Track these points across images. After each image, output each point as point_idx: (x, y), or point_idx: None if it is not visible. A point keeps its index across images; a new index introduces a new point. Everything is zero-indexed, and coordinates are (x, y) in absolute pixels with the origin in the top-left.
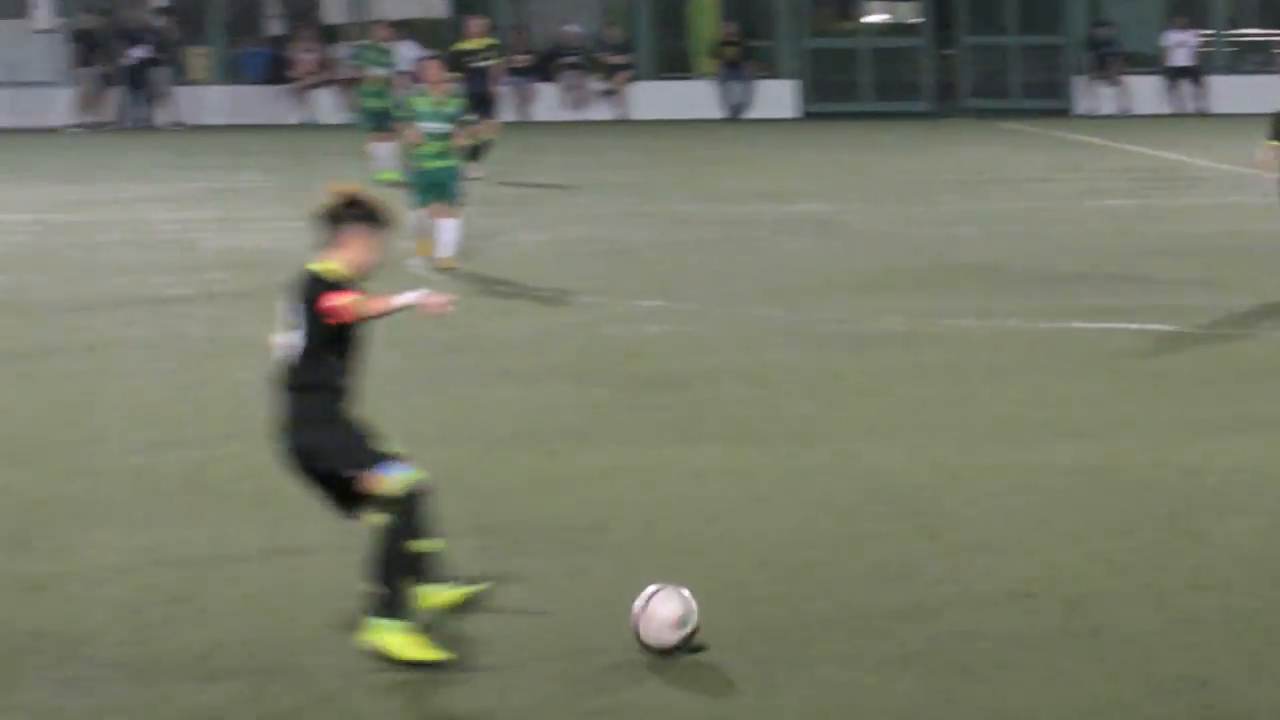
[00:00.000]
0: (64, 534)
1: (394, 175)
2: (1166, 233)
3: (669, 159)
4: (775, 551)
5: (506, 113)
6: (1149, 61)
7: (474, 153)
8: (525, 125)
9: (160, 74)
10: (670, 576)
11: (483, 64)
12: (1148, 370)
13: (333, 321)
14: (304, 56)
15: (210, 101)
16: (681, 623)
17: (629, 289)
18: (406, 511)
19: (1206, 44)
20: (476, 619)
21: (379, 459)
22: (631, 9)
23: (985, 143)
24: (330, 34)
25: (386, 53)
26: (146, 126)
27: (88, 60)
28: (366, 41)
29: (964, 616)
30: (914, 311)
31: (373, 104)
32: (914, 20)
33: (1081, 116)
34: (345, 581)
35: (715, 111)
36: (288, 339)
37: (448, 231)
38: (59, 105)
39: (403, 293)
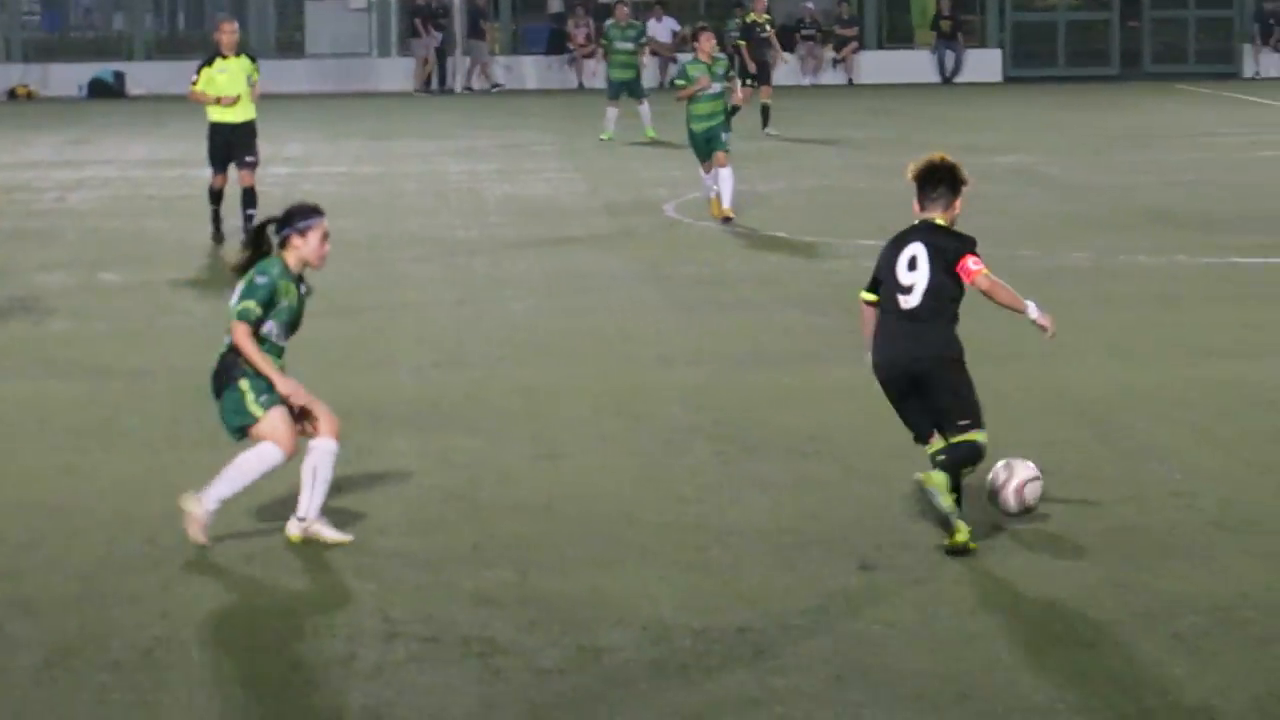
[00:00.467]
0: (364, 440)
1: (645, 132)
2: None
3: (890, 119)
4: None
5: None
6: None
7: (765, 111)
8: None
9: (477, 46)
10: (882, 480)
11: (765, 34)
12: None
13: (969, 281)
14: (577, 30)
15: (498, 70)
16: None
17: (851, 230)
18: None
19: None
20: (716, 511)
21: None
22: None
23: (1163, 103)
24: (602, 11)
25: (626, 29)
26: (468, 91)
27: (416, 33)
28: (611, 21)
29: (1133, 512)
30: (1097, 248)
31: (617, 74)
32: None
33: (1249, 80)
34: (599, 483)
35: (931, 77)
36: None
37: (726, 182)
38: (372, 73)
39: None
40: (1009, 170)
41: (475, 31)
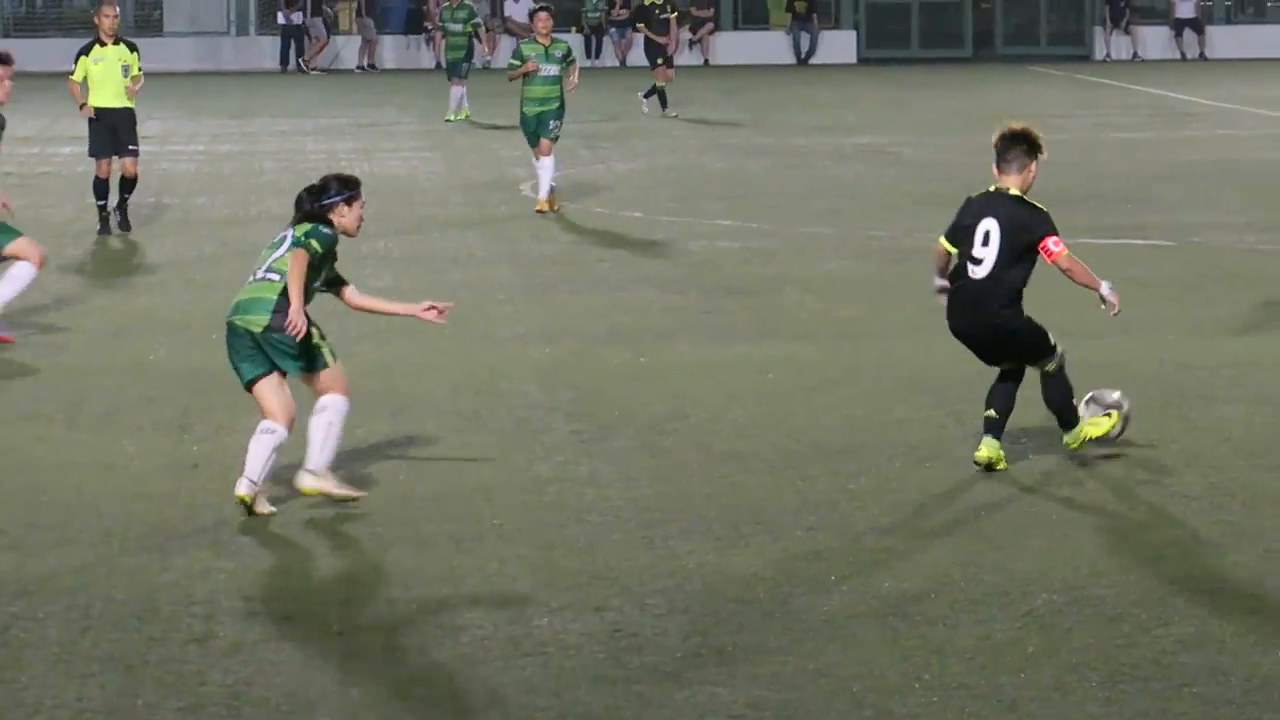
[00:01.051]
0: (224, 418)
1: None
2: (1168, 160)
3: (745, 99)
4: (826, 435)
5: (611, 58)
6: (1158, 14)
7: (660, 95)
8: (623, 70)
9: (366, 25)
10: (736, 458)
11: (665, 17)
12: (1149, 279)
13: (1050, 260)
14: (435, 9)
15: (352, 48)
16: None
17: (706, 210)
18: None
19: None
20: (574, 489)
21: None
22: None
23: (1015, 84)
24: None
25: (457, 10)
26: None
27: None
28: (445, 3)
29: (984, 491)
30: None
31: (451, 55)
32: None
33: (1099, 62)
34: (457, 462)
35: (787, 58)
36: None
37: (545, 172)
38: (231, 52)
39: None
40: (863, 151)
41: (369, 10)
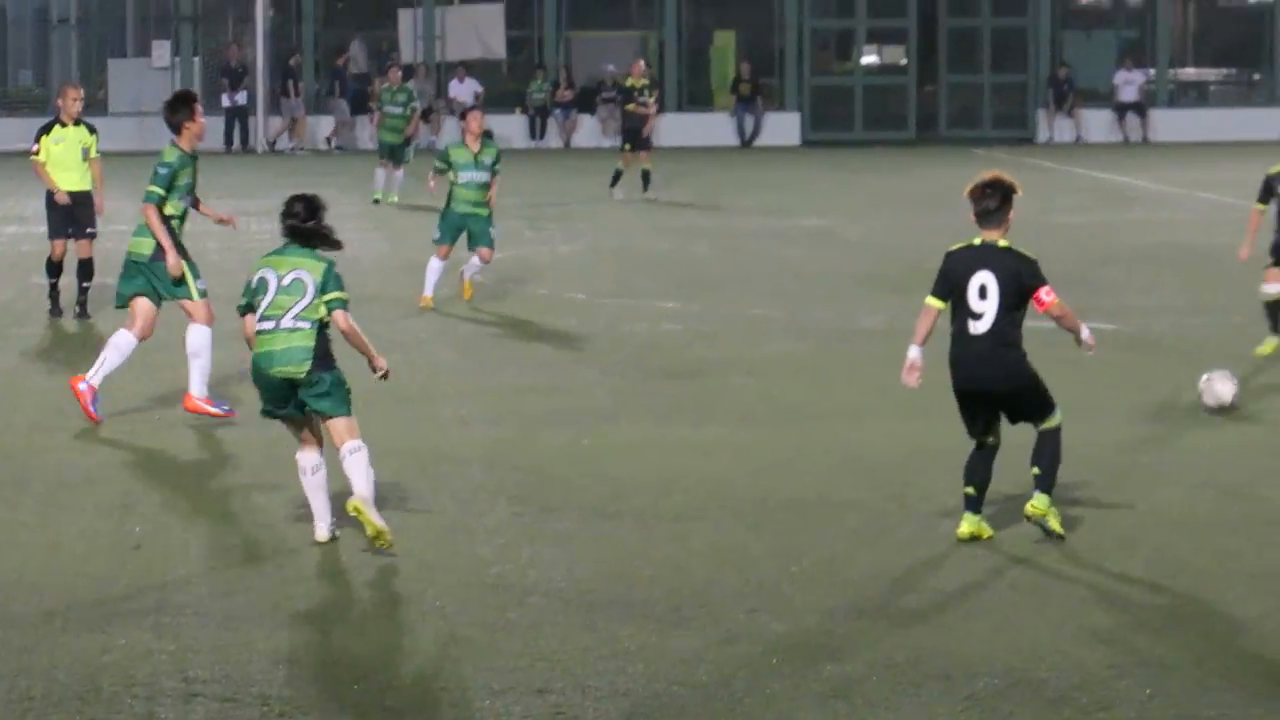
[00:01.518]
0: (164, 497)
1: (386, 198)
2: (1110, 243)
3: (690, 181)
4: (769, 516)
5: (555, 139)
6: (1101, 97)
7: (620, 175)
8: (567, 151)
9: (293, 105)
10: (678, 540)
11: (643, 100)
12: (1091, 362)
13: (1041, 310)
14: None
15: (323, 128)
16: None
17: (651, 291)
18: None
19: (1150, 82)
20: (516, 571)
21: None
22: (660, 51)
23: (959, 167)
24: (408, 72)
25: (397, 93)
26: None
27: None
28: (385, 84)
29: (927, 574)
30: (892, 310)
31: (386, 137)
32: (901, 61)
33: (1042, 144)
34: (399, 543)
35: (731, 140)
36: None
37: (475, 265)
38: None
39: None
40: (807, 233)
41: (294, 90)
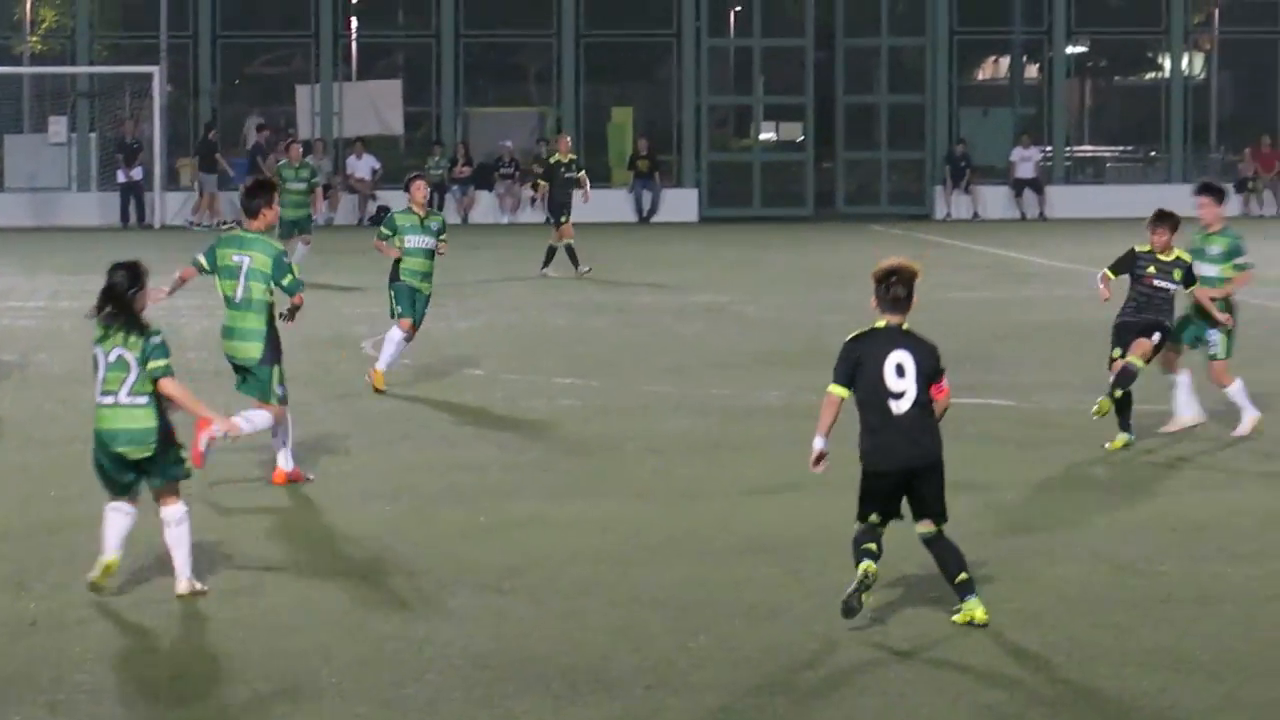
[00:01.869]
0: (57, 575)
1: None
2: (1007, 320)
3: (587, 257)
4: (666, 593)
5: (453, 215)
6: (998, 174)
7: (551, 254)
8: (465, 227)
9: (206, 180)
10: (575, 616)
11: (571, 175)
12: (987, 438)
13: (938, 398)
14: (273, 164)
15: (191, 203)
16: None
17: (547, 367)
18: None
19: (1047, 159)
20: (413, 647)
21: None
22: (558, 127)
23: (856, 243)
24: (306, 148)
25: (300, 169)
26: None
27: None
28: (284, 160)
29: (823, 652)
30: (789, 386)
31: (289, 214)
32: (798, 138)
33: (940, 221)
34: (295, 620)
35: (629, 216)
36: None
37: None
38: (71, 207)
39: None
40: (705, 309)
41: (206, 166)
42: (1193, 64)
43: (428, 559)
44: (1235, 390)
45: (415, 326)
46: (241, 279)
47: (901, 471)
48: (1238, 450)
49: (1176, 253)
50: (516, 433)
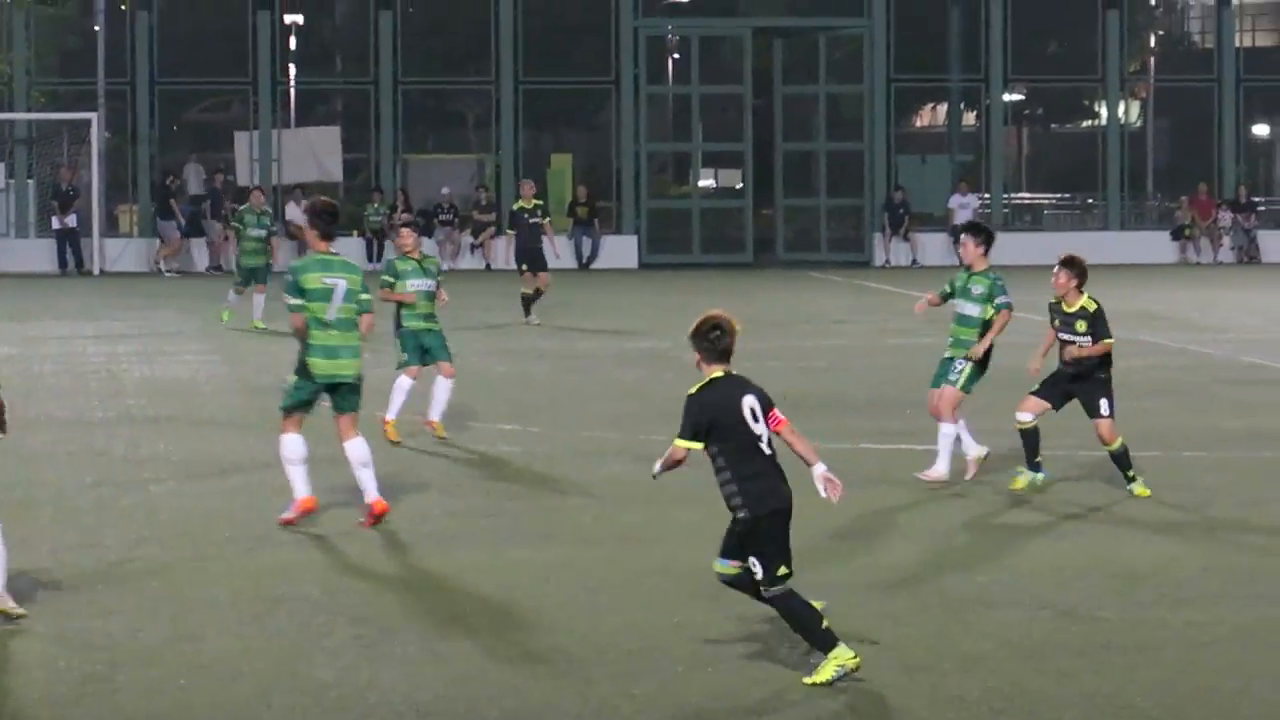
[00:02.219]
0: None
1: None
2: None
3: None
4: (608, 639)
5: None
6: (937, 221)
7: (529, 301)
8: None
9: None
10: (517, 662)
11: (536, 220)
12: (922, 482)
13: (777, 429)
14: (224, 212)
15: (133, 251)
16: None
17: (488, 415)
18: None
19: (985, 206)
20: (356, 694)
21: None
22: (497, 174)
23: (796, 289)
24: (243, 195)
25: (261, 216)
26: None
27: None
28: (246, 205)
29: (764, 696)
30: None
31: (249, 261)
32: (737, 185)
33: (879, 268)
34: (238, 666)
35: (569, 262)
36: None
37: (443, 391)
38: (9, 254)
39: None
40: (644, 355)
41: (164, 213)
42: (1129, 112)
43: (370, 606)
44: (950, 430)
45: (449, 363)
46: (337, 300)
47: (788, 510)
48: (1177, 495)
49: (1081, 302)
50: (457, 479)
